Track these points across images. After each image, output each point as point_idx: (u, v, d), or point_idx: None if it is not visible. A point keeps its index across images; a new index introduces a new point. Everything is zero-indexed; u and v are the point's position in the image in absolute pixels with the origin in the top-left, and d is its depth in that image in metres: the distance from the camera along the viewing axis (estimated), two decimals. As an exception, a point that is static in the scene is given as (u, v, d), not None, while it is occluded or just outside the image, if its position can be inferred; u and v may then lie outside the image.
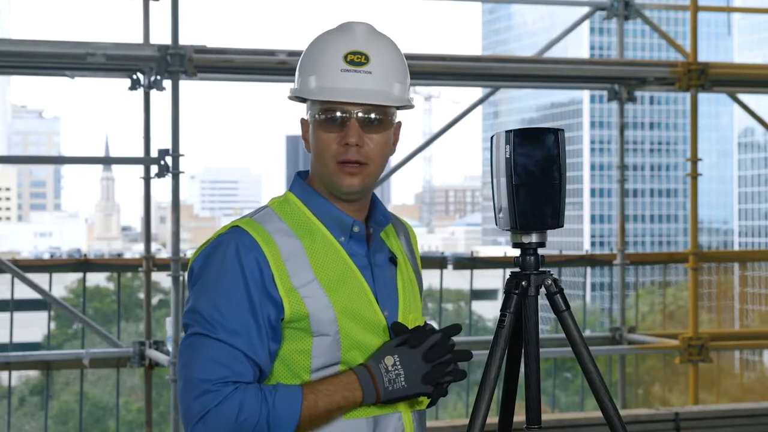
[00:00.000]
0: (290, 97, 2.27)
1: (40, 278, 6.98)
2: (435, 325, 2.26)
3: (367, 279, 2.22)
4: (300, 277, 2.15)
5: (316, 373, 2.16)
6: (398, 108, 2.25)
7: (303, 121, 2.26)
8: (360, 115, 2.17)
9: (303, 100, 2.25)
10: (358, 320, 2.18)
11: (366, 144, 2.18)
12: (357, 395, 2.12)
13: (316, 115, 2.20)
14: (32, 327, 11.51)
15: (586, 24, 16.54)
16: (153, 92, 6.63)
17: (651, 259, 10.50)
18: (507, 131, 2.36)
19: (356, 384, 2.12)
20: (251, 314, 2.11)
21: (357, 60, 2.18)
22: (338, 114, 2.17)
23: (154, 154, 6.59)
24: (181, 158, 6.49)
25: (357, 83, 2.17)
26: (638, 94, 7.90)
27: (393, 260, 2.29)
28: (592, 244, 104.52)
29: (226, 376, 2.07)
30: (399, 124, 2.26)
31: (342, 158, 2.17)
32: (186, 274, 2.27)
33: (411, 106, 2.26)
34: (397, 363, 2.14)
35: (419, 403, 2.27)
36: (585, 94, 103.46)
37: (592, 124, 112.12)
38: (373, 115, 2.18)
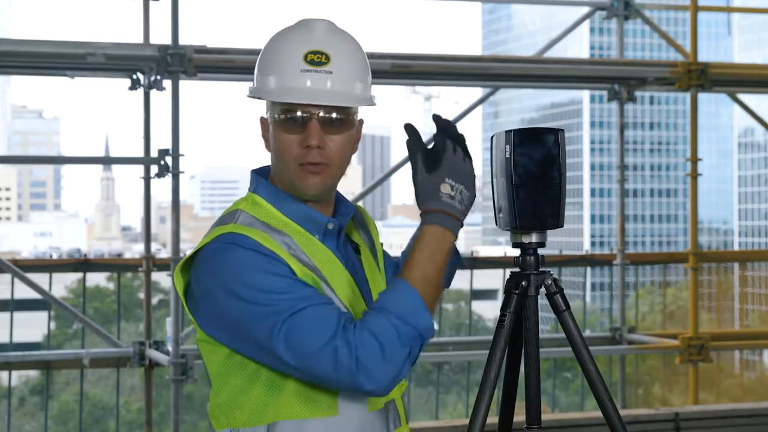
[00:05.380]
0: (249, 96, 2.22)
1: (40, 278, 6.98)
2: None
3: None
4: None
5: None
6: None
7: (263, 120, 2.22)
8: (321, 115, 2.13)
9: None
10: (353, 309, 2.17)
11: (327, 145, 2.14)
12: (448, 236, 2.10)
13: (276, 116, 2.15)
14: (32, 327, 11.52)
15: (586, 24, 16.54)
16: (153, 92, 6.63)
17: (651, 259, 10.50)
18: (507, 131, 2.36)
19: (440, 231, 2.09)
20: (297, 278, 2.07)
21: (317, 60, 2.13)
22: (299, 114, 2.13)
23: (154, 154, 6.59)
24: (181, 158, 6.49)
25: (317, 84, 2.12)
26: (638, 94, 7.89)
27: (356, 249, 2.28)
28: (592, 244, 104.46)
29: (335, 329, 2.01)
30: (361, 122, 2.23)
31: (304, 161, 2.13)
32: (178, 285, 2.18)
33: (373, 104, 2.22)
34: (452, 182, 2.11)
35: (402, 385, 2.26)
36: (585, 94, 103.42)
37: (592, 124, 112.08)
38: (334, 116, 2.14)
